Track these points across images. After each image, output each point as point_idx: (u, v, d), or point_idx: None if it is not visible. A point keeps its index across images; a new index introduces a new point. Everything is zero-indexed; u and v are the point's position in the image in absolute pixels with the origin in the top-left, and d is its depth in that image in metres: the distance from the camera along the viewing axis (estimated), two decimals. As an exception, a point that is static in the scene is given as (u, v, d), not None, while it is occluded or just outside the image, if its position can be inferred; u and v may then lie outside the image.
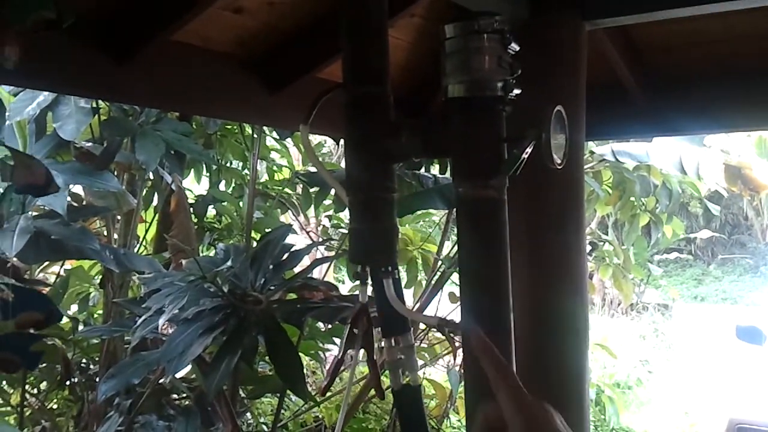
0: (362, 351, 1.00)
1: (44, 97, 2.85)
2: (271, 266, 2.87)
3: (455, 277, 4.67)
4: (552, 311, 2.15)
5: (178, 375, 3.59)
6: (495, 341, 0.74)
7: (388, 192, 0.93)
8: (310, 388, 4.72)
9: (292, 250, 3.00)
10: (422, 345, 4.63)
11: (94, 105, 3.09)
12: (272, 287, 2.82)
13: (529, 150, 0.83)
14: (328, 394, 4.78)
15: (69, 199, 3.50)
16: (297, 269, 3.18)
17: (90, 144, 3.46)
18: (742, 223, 19.30)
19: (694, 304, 15.71)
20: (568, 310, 2.16)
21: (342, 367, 1.04)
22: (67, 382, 3.54)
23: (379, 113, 0.93)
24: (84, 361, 3.77)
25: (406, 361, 0.99)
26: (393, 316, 0.96)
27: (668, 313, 13.11)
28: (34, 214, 2.98)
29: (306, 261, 3.37)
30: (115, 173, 3.61)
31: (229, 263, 2.81)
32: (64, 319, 3.81)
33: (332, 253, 4.83)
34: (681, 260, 17.91)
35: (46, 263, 4.19)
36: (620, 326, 11.22)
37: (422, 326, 4.17)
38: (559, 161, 0.83)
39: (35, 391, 3.93)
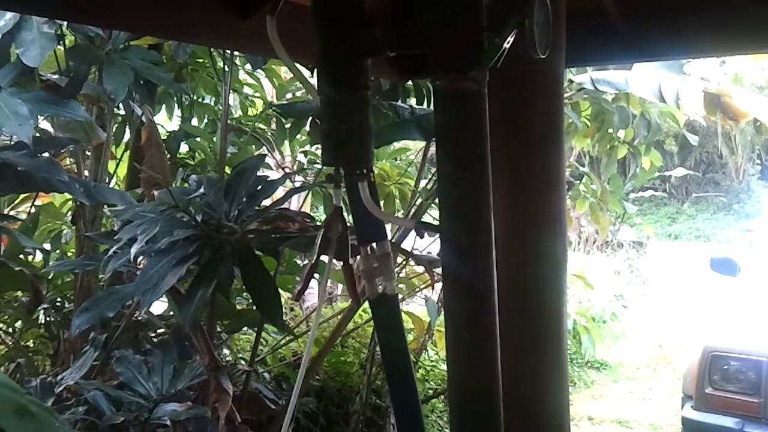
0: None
1: (5, 22, 2.73)
2: (245, 197, 2.81)
3: (432, 211, 4.65)
4: (531, 240, 2.12)
5: (156, 312, 3.57)
6: (474, 247, 0.70)
7: (361, 89, 0.87)
8: (288, 324, 4.72)
9: (267, 180, 2.95)
10: (400, 276, 4.63)
11: (59, 32, 2.98)
12: (247, 217, 2.76)
13: (510, 39, 0.78)
14: (306, 329, 4.79)
15: (38, 134, 3.42)
16: (271, 201, 3.14)
17: (56, 76, 3.35)
18: (716, 162, 19.47)
19: (669, 241, 15.94)
20: (548, 239, 2.12)
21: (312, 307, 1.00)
22: (39, 313, 3.49)
23: (352, 2, 0.87)
24: (59, 299, 3.73)
25: (382, 269, 0.96)
26: (368, 221, 0.92)
27: (643, 250, 13.27)
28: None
29: (281, 192, 3.31)
30: (84, 107, 3.51)
31: (201, 191, 2.75)
32: (37, 255, 3.77)
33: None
34: (655, 198, 18.11)
35: (17, 200, 4.11)
36: (595, 262, 11.34)
37: (400, 259, 4.16)
38: (542, 51, 0.79)
39: (10, 330, 3.89)
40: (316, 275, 1.01)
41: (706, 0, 2.70)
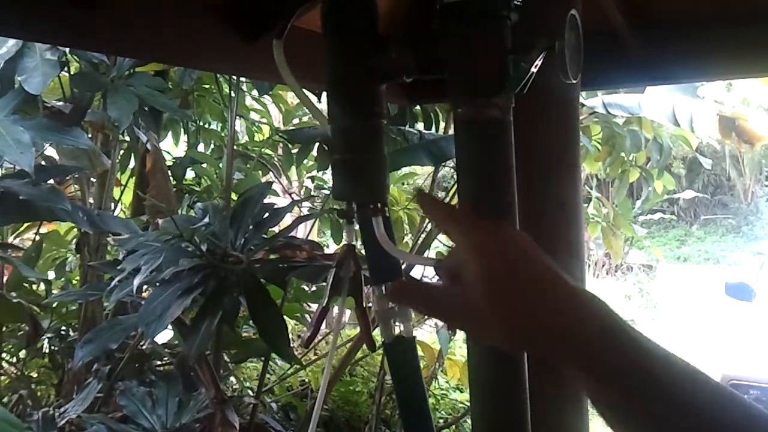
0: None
1: (7, 48, 2.69)
2: (251, 225, 2.75)
3: (442, 236, 4.58)
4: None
5: (161, 341, 3.50)
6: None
7: (375, 117, 0.81)
8: (295, 352, 4.65)
9: (274, 208, 2.89)
10: (409, 305, 4.54)
11: (63, 59, 2.94)
12: (253, 246, 2.70)
13: (538, 63, 0.72)
14: (314, 357, 4.71)
15: (42, 162, 3.38)
16: (278, 228, 3.08)
17: (61, 103, 3.32)
18: (724, 184, 19.38)
19: (678, 264, 15.81)
20: (565, 268, 2.04)
21: (323, 334, 0.94)
22: (38, 345, 3.43)
23: (365, 24, 0.80)
24: (63, 328, 3.67)
25: (398, 310, 0.89)
26: (383, 259, 0.85)
27: (652, 273, 13.18)
28: (1, 173, 2.85)
29: (288, 220, 3.26)
30: (89, 134, 3.47)
31: (206, 220, 2.69)
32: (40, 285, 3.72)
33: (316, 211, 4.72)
34: (664, 221, 18.01)
35: (22, 228, 4.07)
36: (605, 287, 11.23)
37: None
38: (574, 76, 0.72)
39: (14, 360, 3.83)
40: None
41: (722, 22, 2.64)
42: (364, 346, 4.46)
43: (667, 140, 4.65)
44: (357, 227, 0.86)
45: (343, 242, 0.89)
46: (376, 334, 1.23)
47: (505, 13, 0.74)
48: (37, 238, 3.84)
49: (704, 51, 2.70)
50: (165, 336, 3.56)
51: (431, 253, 4.42)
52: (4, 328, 3.57)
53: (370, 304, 0.94)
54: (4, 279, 3.46)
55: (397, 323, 0.90)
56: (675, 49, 2.76)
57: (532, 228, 1.98)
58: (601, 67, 2.80)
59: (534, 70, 0.72)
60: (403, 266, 1.06)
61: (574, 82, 0.72)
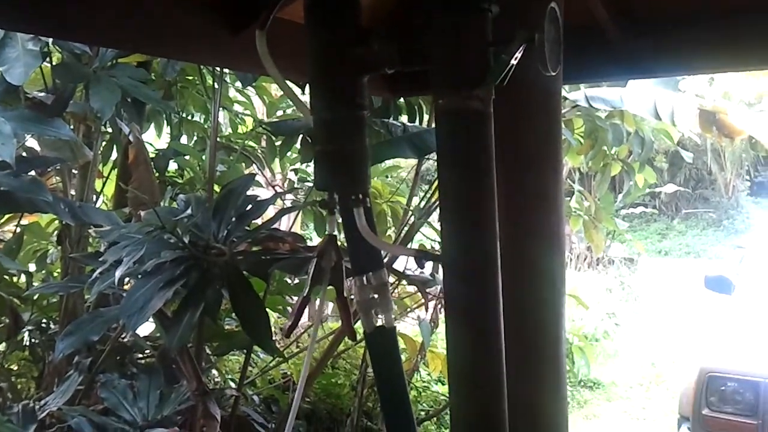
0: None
1: (-12, 40, 2.67)
2: (234, 217, 2.74)
3: (425, 229, 4.59)
4: (529, 262, 2.04)
5: (143, 333, 3.48)
6: (479, 276, 0.64)
7: (357, 109, 0.81)
8: (278, 344, 4.64)
9: (257, 200, 2.88)
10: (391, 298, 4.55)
11: (45, 49, 2.92)
12: (236, 238, 2.70)
13: (518, 55, 0.73)
14: (296, 349, 4.71)
15: (24, 153, 3.35)
16: (261, 221, 3.07)
17: (43, 94, 3.29)
18: (705, 178, 19.51)
19: (659, 258, 15.91)
20: (545, 261, 2.05)
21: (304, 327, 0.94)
22: (19, 337, 3.41)
23: (348, 15, 0.80)
24: (44, 320, 3.65)
25: (379, 300, 0.89)
26: (364, 249, 0.85)
27: (634, 267, 13.26)
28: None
29: (271, 212, 3.25)
30: (71, 125, 3.44)
31: (189, 212, 2.68)
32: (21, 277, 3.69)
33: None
34: (645, 214, 18.11)
35: (2, 219, 4.03)
36: (587, 280, 11.30)
37: (392, 279, 4.09)
38: (553, 68, 0.73)
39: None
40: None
41: (705, 16, 2.65)
42: (347, 339, 4.47)
43: (648, 134, 4.68)
44: (339, 218, 0.86)
45: (323, 224, 0.90)
46: (358, 326, 1.24)
47: (486, 5, 0.75)
48: (18, 229, 3.80)
49: (686, 45, 2.71)
50: (147, 328, 3.54)
51: (414, 245, 4.43)
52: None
53: (352, 296, 0.95)
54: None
55: (378, 314, 0.91)
56: (657, 43, 2.77)
57: (512, 219, 2.00)
58: (584, 60, 2.81)
59: (514, 62, 0.73)
60: (385, 258, 1.07)
61: (554, 74, 0.73)
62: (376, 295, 0.89)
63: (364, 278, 0.88)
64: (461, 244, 0.75)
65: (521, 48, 0.72)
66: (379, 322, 0.92)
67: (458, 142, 0.76)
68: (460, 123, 0.75)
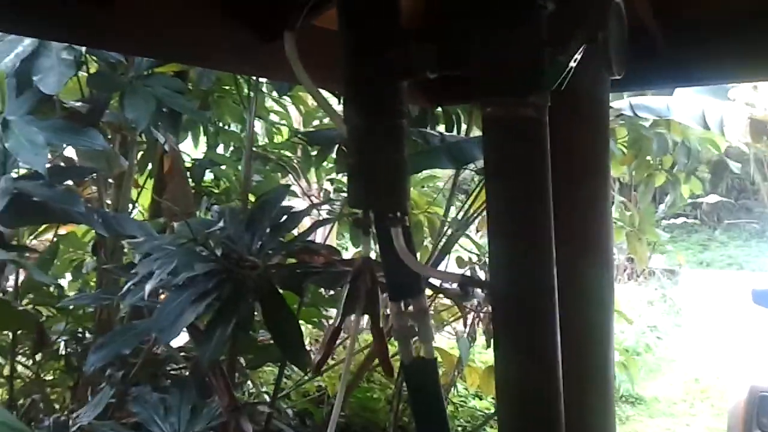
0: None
1: (23, 47, 2.65)
2: (268, 229, 2.69)
3: (463, 241, 4.50)
4: (580, 284, 1.94)
5: (177, 344, 3.45)
6: (535, 304, 0.56)
7: (395, 117, 0.73)
8: (312, 357, 4.58)
9: (292, 211, 2.83)
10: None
11: (80, 58, 2.90)
12: (270, 251, 2.64)
13: (578, 56, 0.64)
14: (332, 362, 4.64)
15: (61, 163, 3.34)
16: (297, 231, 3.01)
17: (79, 104, 3.27)
18: (748, 188, 19.11)
19: (700, 269, 15.57)
20: (596, 281, 1.95)
21: (340, 338, 0.87)
22: (55, 347, 3.39)
23: (384, 16, 0.72)
24: (79, 330, 3.63)
25: (419, 329, 0.81)
26: (402, 273, 0.77)
27: (675, 278, 12.96)
28: (16, 175, 2.80)
29: (306, 224, 3.19)
30: (108, 135, 3.43)
31: (221, 224, 2.63)
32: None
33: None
34: (687, 225, 17.79)
35: (40, 229, 4.03)
36: (628, 292, 11.06)
37: (428, 292, 4.01)
38: (619, 70, 0.65)
39: (30, 362, 3.79)
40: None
41: (754, 22, 2.54)
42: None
43: (695, 143, 4.54)
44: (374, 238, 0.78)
45: (360, 253, 0.82)
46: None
47: (541, 1, 0.67)
48: (55, 239, 3.80)
49: (735, 52, 2.59)
50: (181, 338, 3.51)
51: (452, 258, 4.34)
52: (19, 332, 3.53)
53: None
54: (19, 281, 3.43)
55: (416, 343, 0.82)
56: (705, 50, 2.66)
57: (564, 238, 1.90)
58: (629, 67, 2.72)
59: (573, 64, 0.64)
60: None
61: (619, 77, 0.64)
62: (414, 324, 0.80)
63: (402, 304, 0.80)
64: (514, 271, 0.66)
65: (581, 49, 0.63)
66: (417, 353, 0.84)
67: (510, 155, 0.68)
68: (512, 133, 0.67)
